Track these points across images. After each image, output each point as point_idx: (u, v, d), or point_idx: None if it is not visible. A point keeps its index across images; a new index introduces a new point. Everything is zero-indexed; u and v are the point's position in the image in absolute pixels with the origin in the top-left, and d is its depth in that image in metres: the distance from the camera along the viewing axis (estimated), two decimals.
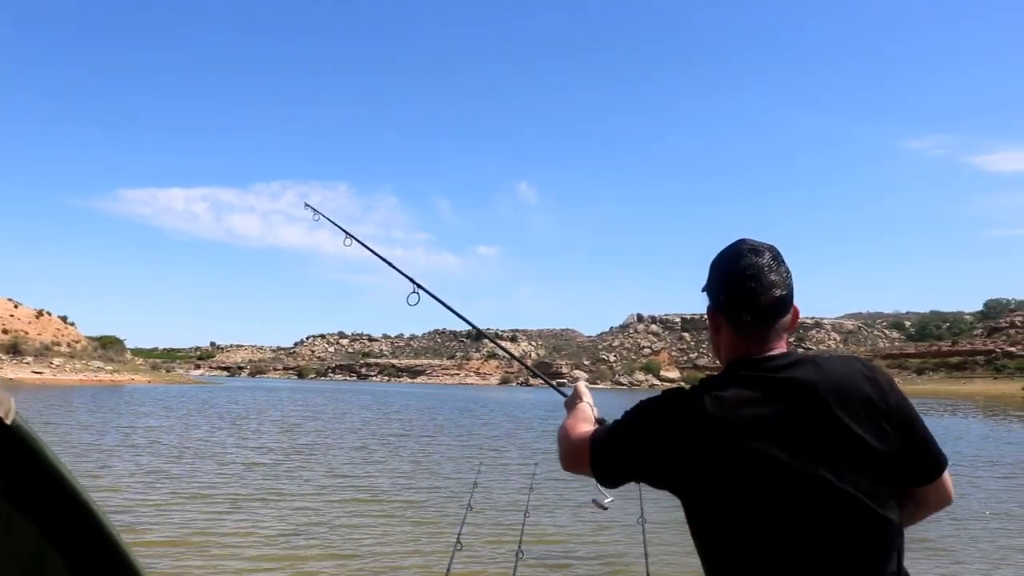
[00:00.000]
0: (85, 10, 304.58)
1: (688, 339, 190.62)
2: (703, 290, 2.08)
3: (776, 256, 1.96)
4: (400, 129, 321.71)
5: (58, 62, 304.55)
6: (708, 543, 1.91)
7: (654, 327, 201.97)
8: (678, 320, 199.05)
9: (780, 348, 1.94)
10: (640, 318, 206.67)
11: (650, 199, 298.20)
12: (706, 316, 2.09)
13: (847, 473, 1.79)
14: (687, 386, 1.97)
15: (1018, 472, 19.01)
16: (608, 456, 2.02)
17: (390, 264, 3.68)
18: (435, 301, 3.47)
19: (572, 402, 2.63)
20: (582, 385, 2.71)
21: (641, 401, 2.02)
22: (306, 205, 3.91)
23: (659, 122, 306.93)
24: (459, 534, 5.18)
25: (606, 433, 2.05)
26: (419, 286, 3.35)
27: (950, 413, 40.90)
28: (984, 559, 10.18)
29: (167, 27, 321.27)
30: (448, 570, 4.96)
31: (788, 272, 1.97)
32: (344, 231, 3.77)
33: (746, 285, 1.92)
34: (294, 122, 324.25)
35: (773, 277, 1.92)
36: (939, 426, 31.87)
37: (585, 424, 2.28)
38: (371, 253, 3.80)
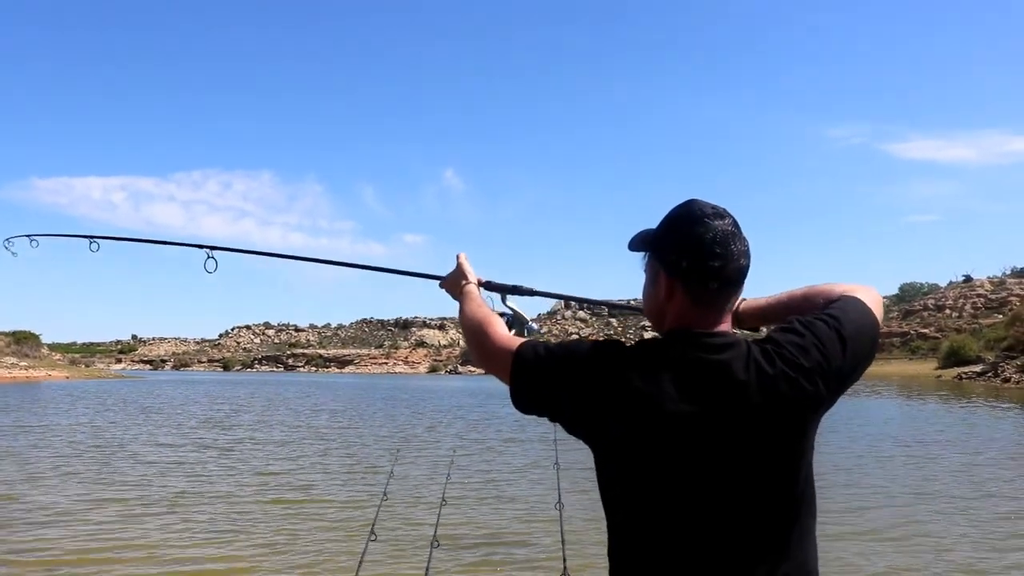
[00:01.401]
0: None
1: (615, 324, 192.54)
2: (648, 249, 1.95)
3: (736, 222, 1.86)
4: (324, 116, 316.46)
5: None
6: (611, 507, 1.87)
7: (581, 313, 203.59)
8: (605, 308, 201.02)
9: (726, 324, 1.86)
10: (567, 305, 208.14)
11: (574, 187, 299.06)
12: (652, 278, 1.92)
13: (754, 484, 1.76)
14: (628, 343, 1.85)
15: (944, 452, 19.41)
16: (531, 378, 1.89)
17: (170, 243, 3.37)
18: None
19: (457, 281, 2.46)
20: (465, 259, 2.51)
21: (580, 339, 1.92)
22: (6, 243, 3.51)
23: (581, 109, 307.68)
24: (373, 524, 5.14)
25: (534, 353, 1.90)
26: (212, 248, 3.02)
27: (874, 395, 42.12)
28: (928, 545, 9.97)
29: (82, 10, 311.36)
30: (361, 561, 4.92)
31: (747, 240, 1.87)
32: (85, 236, 3.31)
33: (715, 251, 1.79)
34: (215, 109, 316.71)
35: (740, 246, 1.83)
36: (864, 407, 32.72)
37: (495, 321, 2.14)
38: (142, 242, 3.46)
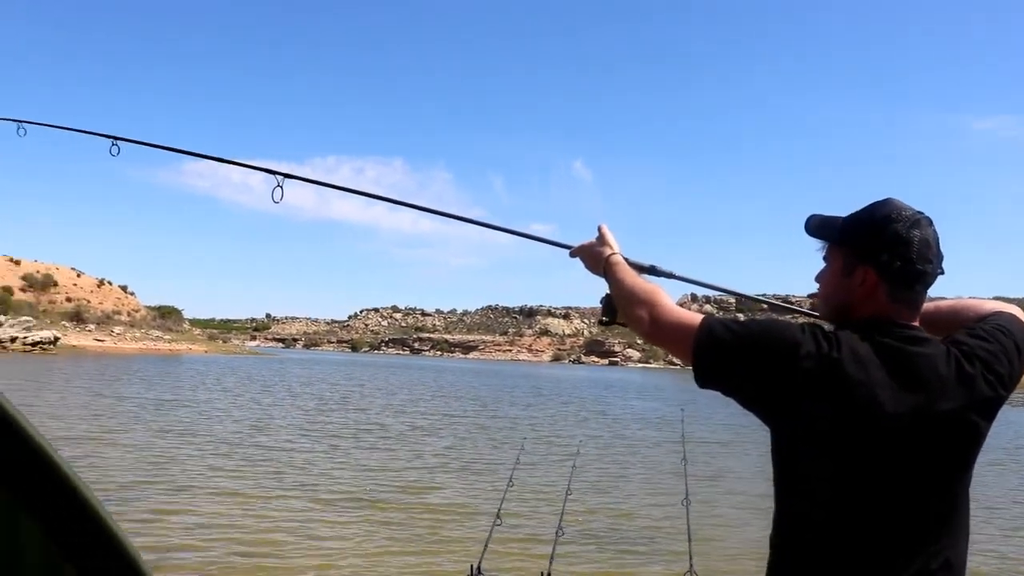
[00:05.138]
0: None
1: (742, 319, 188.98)
2: (843, 240, 1.90)
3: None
4: (456, 106, 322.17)
5: (121, 37, 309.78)
6: (799, 483, 1.83)
7: (708, 307, 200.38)
8: (732, 301, 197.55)
9: (916, 320, 1.88)
10: (694, 298, 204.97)
11: (705, 179, 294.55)
12: (846, 269, 1.88)
13: (942, 473, 1.79)
14: (827, 327, 1.84)
15: None
16: (720, 353, 1.82)
17: (233, 162, 3.13)
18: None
19: (599, 250, 2.31)
20: (607, 229, 2.37)
21: (775, 319, 1.89)
22: None
23: (716, 100, 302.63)
24: (499, 510, 5.16)
25: (726, 328, 1.85)
26: (285, 175, 2.85)
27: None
28: None
29: (229, 3, 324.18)
30: (486, 545, 4.93)
31: None
32: (106, 134, 3.05)
33: (927, 256, 1.83)
34: (351, 96, 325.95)
35: (939, 252, 1.88)
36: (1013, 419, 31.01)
37: (665, 293, 2.05)
38: (188, 155, 3.22)
